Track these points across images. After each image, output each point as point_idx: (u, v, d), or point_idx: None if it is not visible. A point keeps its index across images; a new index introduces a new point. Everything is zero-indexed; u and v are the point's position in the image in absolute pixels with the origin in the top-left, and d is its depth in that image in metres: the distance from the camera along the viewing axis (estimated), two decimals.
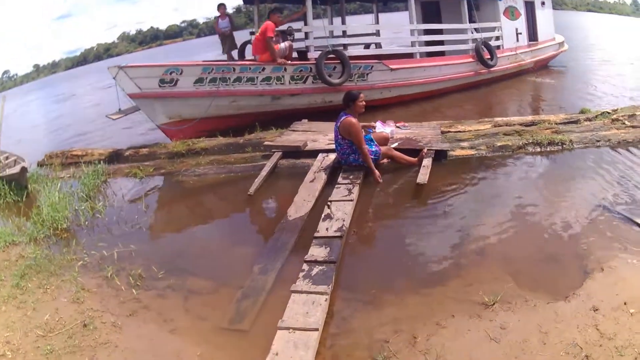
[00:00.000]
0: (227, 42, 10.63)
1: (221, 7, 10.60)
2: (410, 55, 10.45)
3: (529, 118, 7.33)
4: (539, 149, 6.25)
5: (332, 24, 11.87)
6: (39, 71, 79.69)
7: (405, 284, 3.66)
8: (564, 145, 6.22)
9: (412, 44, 10.56)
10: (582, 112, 7.46)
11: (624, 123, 6.79)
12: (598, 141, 6.32)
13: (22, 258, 4.67)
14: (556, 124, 6.93)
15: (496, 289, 3.38)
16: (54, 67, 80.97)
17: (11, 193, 6.46)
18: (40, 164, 8.17)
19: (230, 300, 3.60)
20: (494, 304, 3.24)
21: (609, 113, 7.19)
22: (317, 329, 3.01)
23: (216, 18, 10.79)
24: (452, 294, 3.46)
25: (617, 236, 3.99)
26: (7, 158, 8.17)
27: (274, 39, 8.52)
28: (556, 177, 5.57)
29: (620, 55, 16.48)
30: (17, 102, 26.70)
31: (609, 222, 4.25)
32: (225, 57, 10.72)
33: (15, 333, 3.47)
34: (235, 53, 10.75)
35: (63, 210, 5.50)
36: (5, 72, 79.50)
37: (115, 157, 7.80)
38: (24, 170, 6.69)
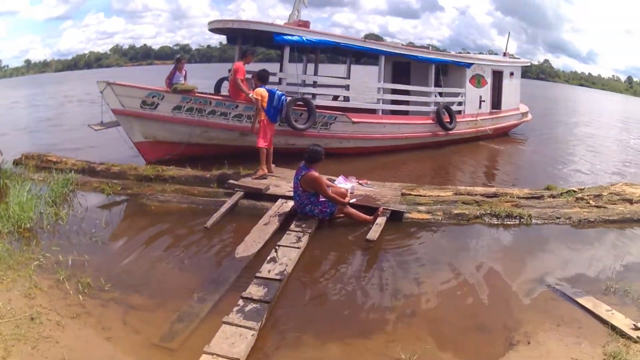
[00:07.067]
0: None
1: (181, 61, 10.43)
2: (373, 111, 11.17)
3: (492, 189, 7.28)
4: (496, 221, 6.22)
5: (305, 73, 12.28)
6: (30, 67, 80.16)
7: (332, 332, 3.87)
8: (522, 220, 6.17)
9: (377, 101, 11.31)
10: (548, 188, 7.42)
11: (588, 202, 6.75)
12: (558, 218, 6.29)
13: None
14: (519, 197, 6.86)
15: (415, 349, 3.51)
16: (44, 67, 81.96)
17: None
18: (16, 163, 8.52)
19: (166, 320, 3.91)
20: None
21: (574, 192, 7.11)
22: (238, 359, 3.29)
23: (174, 69, 10.29)
24: (373, 347, 3.64)
25: (554, 313, 4.07)
26: None
27: (246, 80, 8.87)
28: (507, 249, 5.70)
29: (596, 134, 17.51)
30: (19, 94, 26.94)
31: (550, 299, 4.34)
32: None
33: None
34: None
35: (29, 211, 5.88)
36: None
37: (87, 169, 8.16)
38: None
